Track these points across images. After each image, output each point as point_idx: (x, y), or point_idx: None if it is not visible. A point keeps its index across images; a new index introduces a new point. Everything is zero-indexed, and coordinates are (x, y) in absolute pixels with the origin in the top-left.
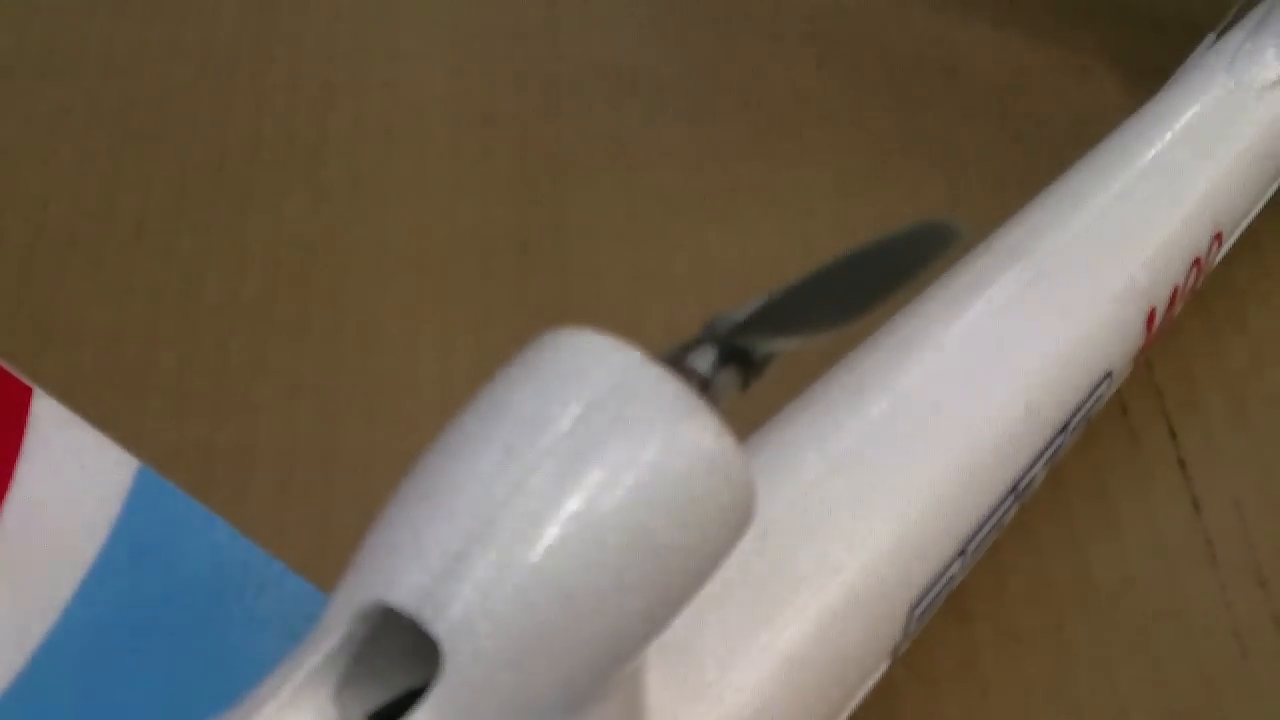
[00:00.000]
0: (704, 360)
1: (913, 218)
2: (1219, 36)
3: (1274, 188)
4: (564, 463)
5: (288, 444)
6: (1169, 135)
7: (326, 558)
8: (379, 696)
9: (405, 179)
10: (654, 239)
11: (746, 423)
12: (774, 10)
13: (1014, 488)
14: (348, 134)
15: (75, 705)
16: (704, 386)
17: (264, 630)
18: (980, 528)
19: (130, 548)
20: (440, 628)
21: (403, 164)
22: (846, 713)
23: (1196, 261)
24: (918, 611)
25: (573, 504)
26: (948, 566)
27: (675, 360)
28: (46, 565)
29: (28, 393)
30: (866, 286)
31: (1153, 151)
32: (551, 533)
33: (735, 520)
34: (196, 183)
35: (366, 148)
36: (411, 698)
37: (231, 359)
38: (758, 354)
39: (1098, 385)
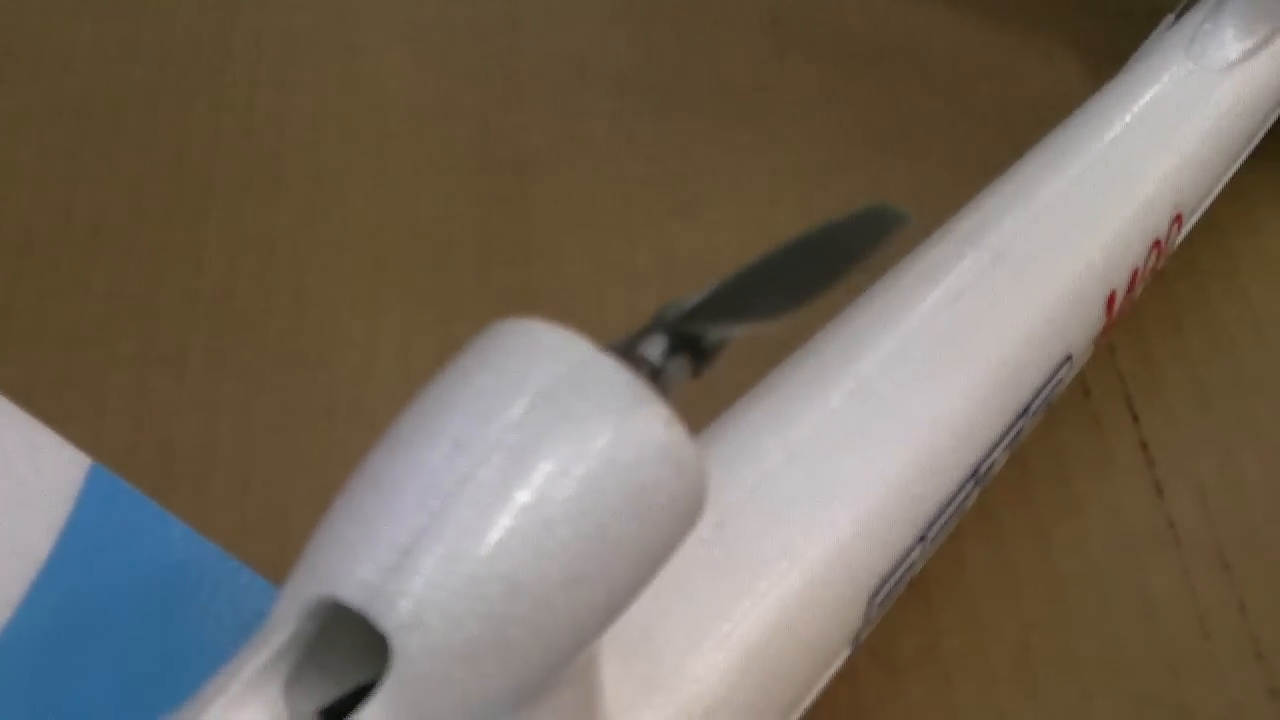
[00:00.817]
0: (654, 349)
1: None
2: (1178, 17)
3: (1234, 168)
4: (512, 455)
5: (247, 441)
6: (1128, 117)
7: (287, 554)
8: (330, 692)
9: (365, 174)
10: (616, 230)
11: (707, 409)
12: None
13: (974, 473)
14: (307, 130)
15: (29, 703)
16: (654, 375)
17: (218, 627)
18: (941, 513)
19: (83, 546)
20: (389, 622)
21: (363, 159)
22: (808, 701)
23: (1156, 243)
24: (878, 598)
25: (521, 496)
26: (908, 553)
27: (625, 349)
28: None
29: None
30: (814, 272)
31: (1111, 134)
32: (500, 525)
33: (687, 510)
34: (155, 180)
35: (326, 143)
36: (363, 693)
37: (191, 357)
38: (708, 341)
39: (1058, 368)
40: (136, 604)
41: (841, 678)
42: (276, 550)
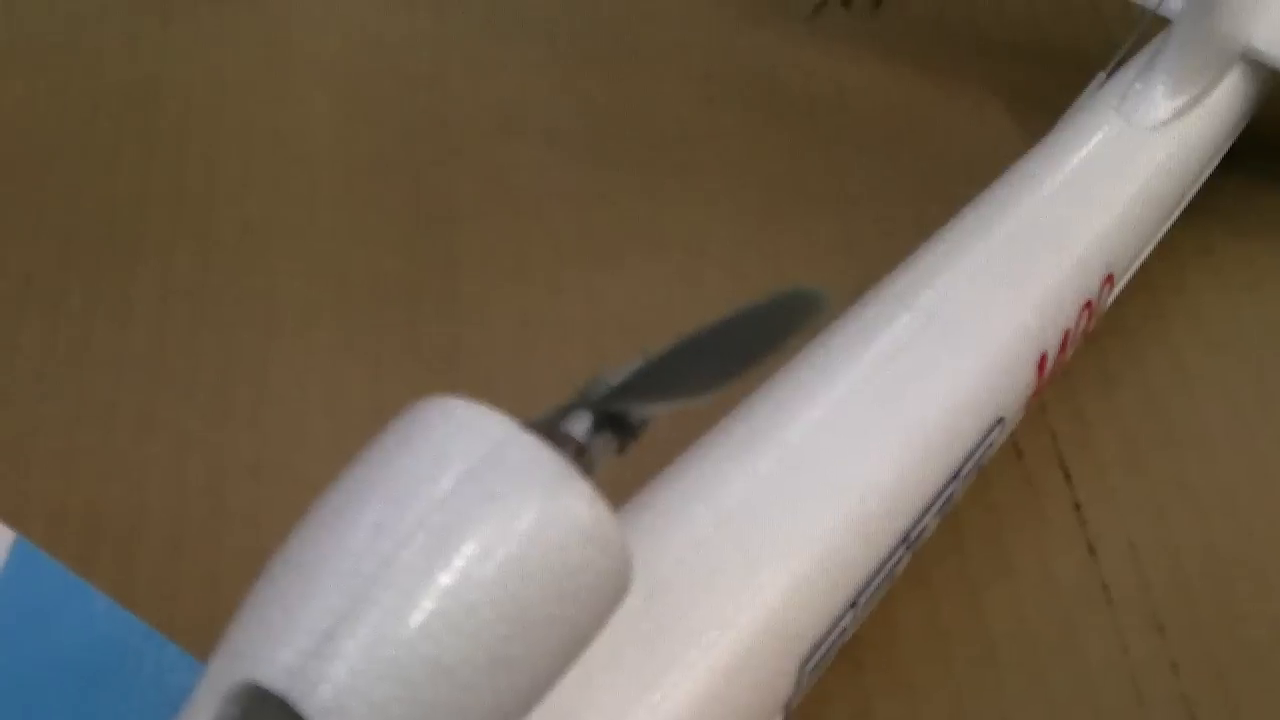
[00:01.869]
0: (579, 426)
1: (805, 259)
2: (1109, 75)
3: (1165, 227)
4: (435, 536)
5: (176, 501)
6: (1060, 177)
7: (215, 620)
8: None
9: (295, 228)
10: (544, 282)
11: (633, 475)
12: (663, 49)
13: (906, 537)
14: (237, 182)
15: None
16: (579, 453)
17: (142, 704)
18: (872, 579)
19: (5, 621)
20: (311, 707)
21: (292, 212)
22: None
23: (1088, 304)
24: (809, 665)
25: (444, 578)
26: (839, 619)
27: (549, 426)
28: None
29: None
30: (736, 353)
31: (1043, 193)
32: (423, 608)
33: (611, 588)
34: (84, 234)
35: (255, 195)
36: None
37: (120, 414)
38: (633, 418)
39: (990, 430)
40: (60, 680)
41: None
42: (205, 615)
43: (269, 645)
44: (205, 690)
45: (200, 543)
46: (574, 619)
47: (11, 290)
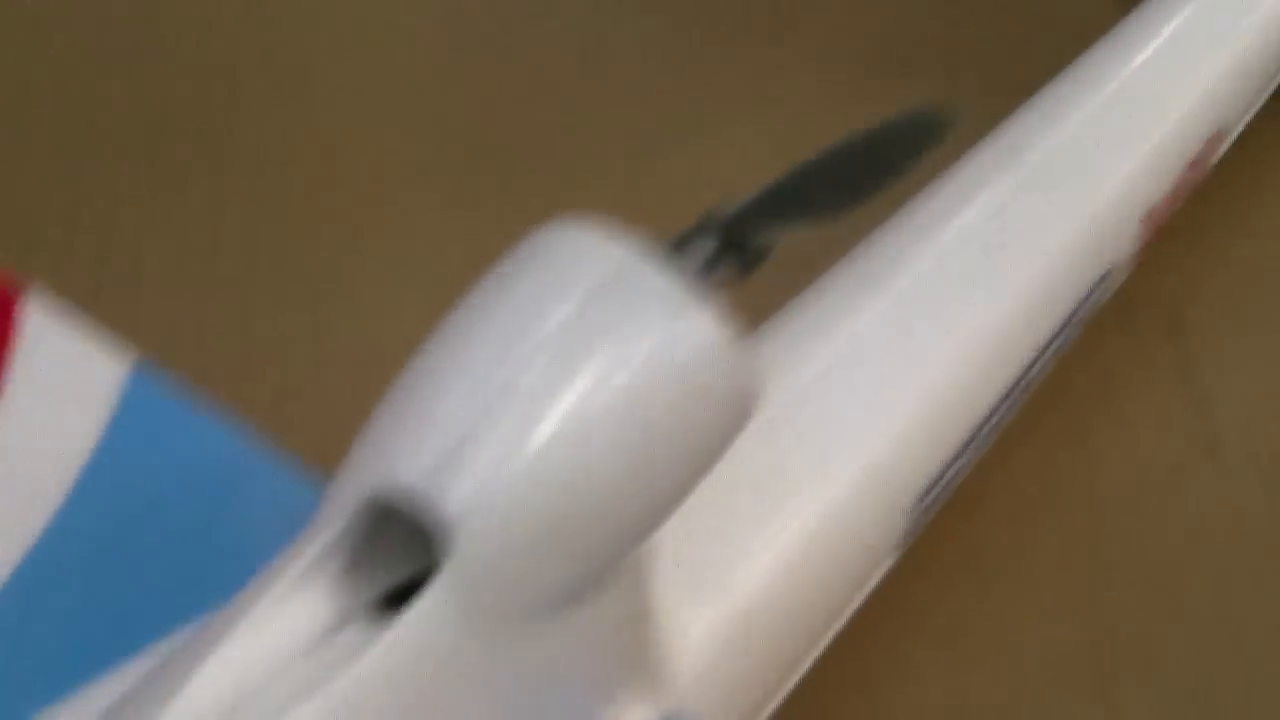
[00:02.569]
0: (703, 251)
1: None
2: None
3: (1274, 84)
4: (563, 353)
5: (285, 344)
6: (1166, 32)
7: (324, 457)
8: (383, 583)
9: (397, 91)
10: (643, 149)
11: (751, 318)
12: None
13: (1017, 383)
14: (342, 43)
15: (73, 601)
16: (704, 276)
17: (263, 521)
18: (985, 422)
19: (126, 441)
20: (441, 514)
21: (394, 71)
22: (853, 606)
23: (1195, 159)
24: (922, 505)
25: (573, 394)
26: (952, 461)
27: (674, 251)
28: (42, 461)
29: (20, 289)
30: (863, 175)
31: (1150, 50)
32: (551, 422)
33: (737, 410)
34: (182, 89)
35: (357, 55)
36: (416, 585)
37: (225, 254)
38: (756, 244)
39: (1097, 284)
40: (181, 499)
41: (886, 584)
42: (313, 452)
43: (398, 459)
44: (331, 506)
45: (307, 385)
46: (700, 439)
47: (111, 150)
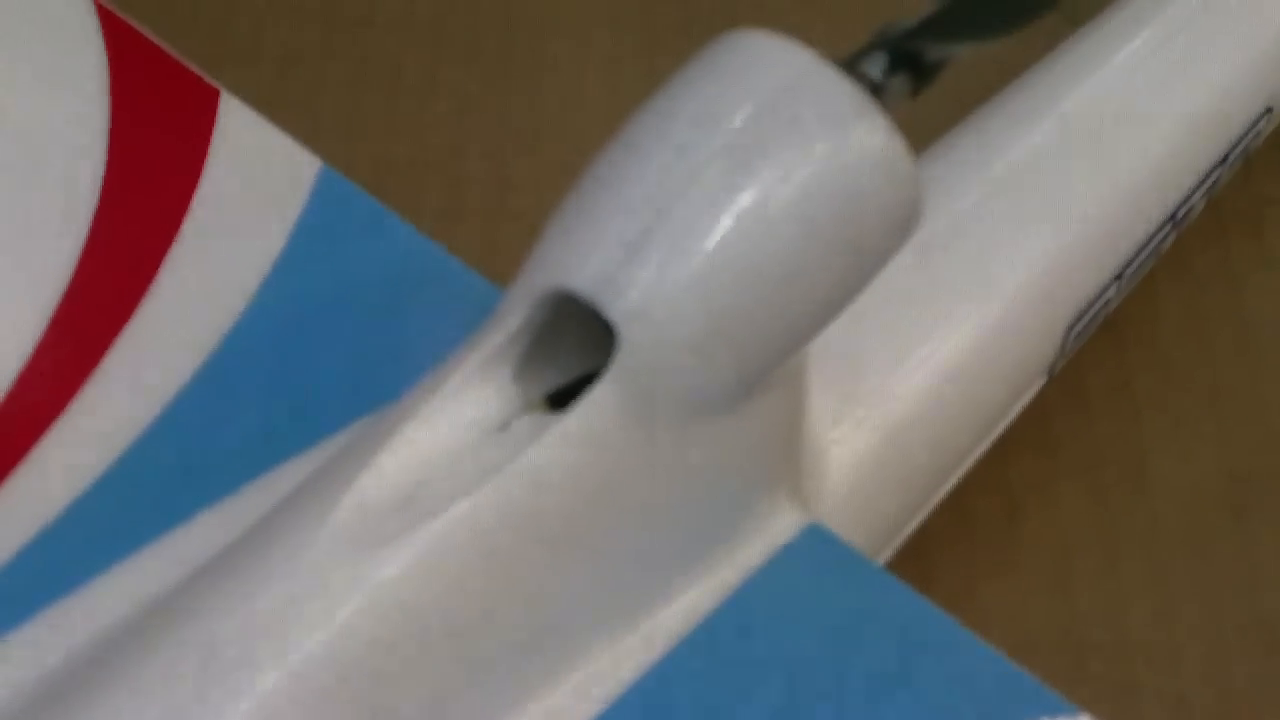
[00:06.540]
0: (875, 65)
1: None
2: None
3: None
4: (738, 156)
5: (458, 161)
6: None
7: (495, 273)
8: (556, 379)
9: None
10: None
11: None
12: None
13: (1172, 216)
14: None
15: (263, 387)
16: (875, 91)
17: (442, 320)
18: (1138, 253)
19: (313, 242)
20: (617, 311)
21: None
22: (1002, 426)
23: None
24: (1075, 331)
25: (745, 197)
26: (1105, 289)
27: (848, 64)
28: (234, 257)
29: (215, 94)
30: None
31: None
32: (723, 223)
33: (902, 218)
34: None
35: None
36: (587, 381)
37: (404, 78)
38: (928, 60)
39: (1258, 119)
40: (364, 298)
41: (1033, 409)
42: (484, 266)
43: (579, 255)
44: (513, 299)
45: (480, 202)
46: (865, 245)
47: None
